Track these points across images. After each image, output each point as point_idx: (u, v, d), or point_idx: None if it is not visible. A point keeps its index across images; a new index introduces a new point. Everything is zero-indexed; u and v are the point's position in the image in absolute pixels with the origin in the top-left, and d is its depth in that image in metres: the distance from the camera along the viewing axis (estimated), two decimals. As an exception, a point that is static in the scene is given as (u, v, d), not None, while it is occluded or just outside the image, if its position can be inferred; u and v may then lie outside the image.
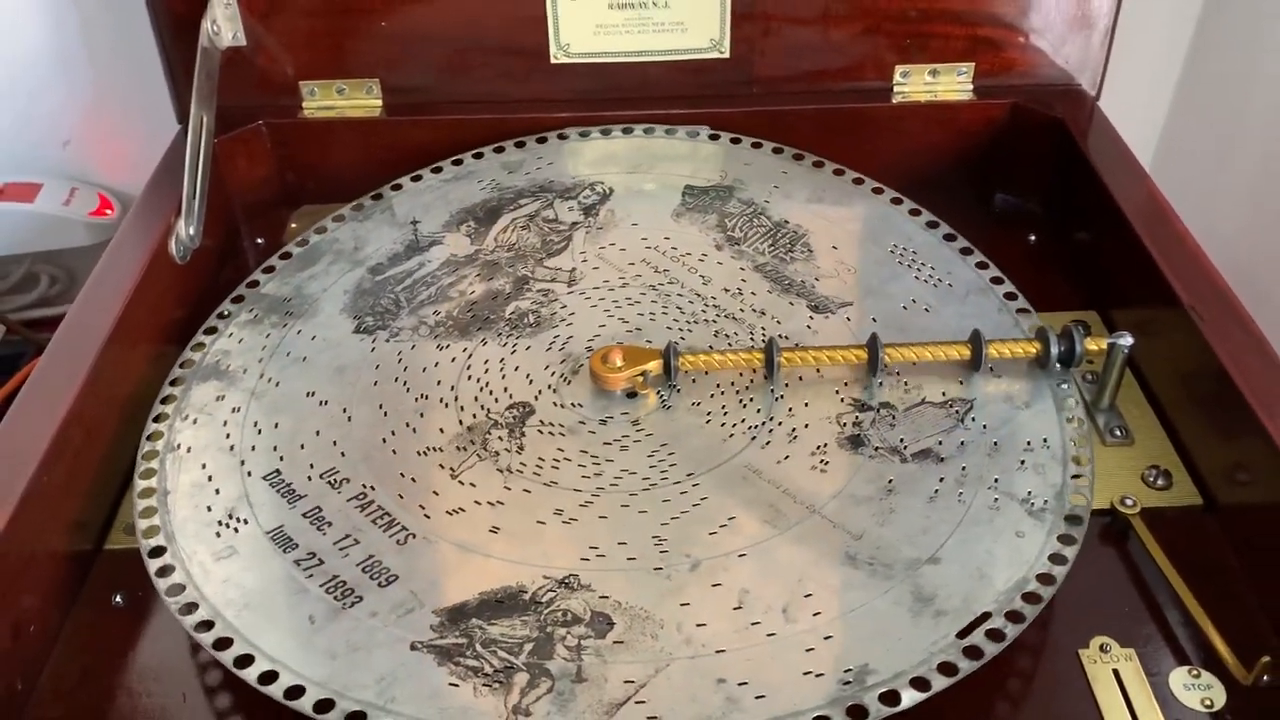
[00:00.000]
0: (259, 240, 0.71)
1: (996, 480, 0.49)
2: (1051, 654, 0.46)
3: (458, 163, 0.70)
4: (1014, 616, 0.44)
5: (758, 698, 0.42)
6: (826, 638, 0.44)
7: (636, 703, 0.42)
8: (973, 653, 0.43)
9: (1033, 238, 0.69)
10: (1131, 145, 0.67)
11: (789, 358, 0.54)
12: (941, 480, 0.49)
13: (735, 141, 0.70)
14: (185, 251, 0.62)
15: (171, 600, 0.46)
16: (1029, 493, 0.48)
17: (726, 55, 0.71)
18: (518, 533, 0.49)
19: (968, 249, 0.62)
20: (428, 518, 0.49)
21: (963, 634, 0.43)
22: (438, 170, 0.70)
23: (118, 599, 0.49)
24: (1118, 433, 0.55)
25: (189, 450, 0.53)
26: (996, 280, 0.60)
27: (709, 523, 0.48)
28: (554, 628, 0.44)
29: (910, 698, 0.41)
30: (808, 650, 0.43)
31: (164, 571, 0.47)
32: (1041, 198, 0.71)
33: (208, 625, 0.45)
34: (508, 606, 0.45)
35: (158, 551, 0.48)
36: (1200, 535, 0.50)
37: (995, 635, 0.43)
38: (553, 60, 0.71)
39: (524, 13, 0.69)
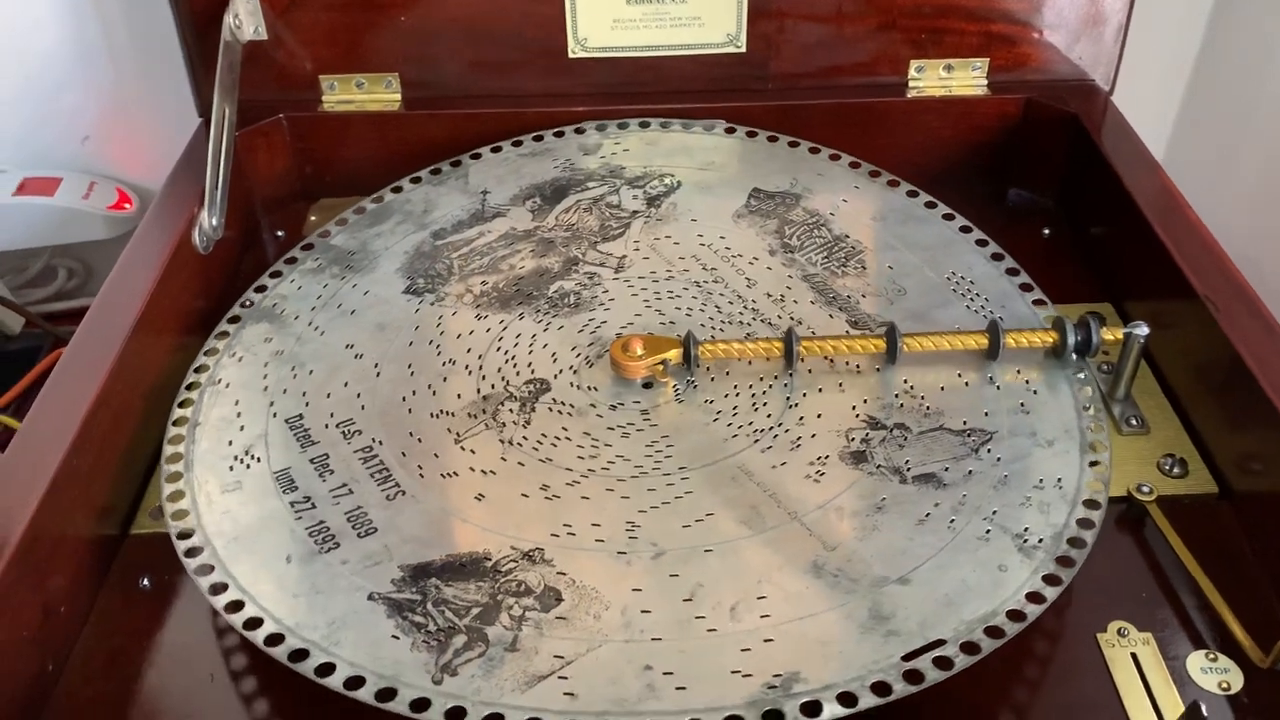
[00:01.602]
0: (279, 233, 0.72)
1: (995, 512, 0.48)
2: (1069, 638, 0.46)
3: (538, 138, 0.71)
4: (969, 648, 0.43)
5: (678, 688, 0.42)
6: (766, 640, 0.44)
7: (559, 678, 0.42)
8: (913, 676, 0.42)
9: (1047, 231, 0.69)
10: (1144, 140, 0.68)
11: (807, 346, 0.54)
12: (936, 505, 0.48)
13: (772, 139, 0.70)
14: (208, 242, 0.63)
15: (174, 524, 0.49)
16: (1025, 529, 0.47)
17: (743, 50, 0.71)
18: (500, 502, 0.50)
19: (983, 240, 0.62)
20: (422, 477, 0.51)
21: (909, 657, 0.42)
22: (518, 144, 0.71)
23: (145, 582, 0.50)
24: (1133, 422, 0.55)
25: (227, 386, 0.56)
26: (1013, 271, 0.60)
27: (685, 516, 0.49)
28: (505, 596, 0.45)
29: (831, 711, 0.41)
30: (743, 650, 0.43)
31: (175, 496, 0.50)
32: (1055, 192, 0.72)
33: (197, 551, 0.48)
34: (468, 571, 0.46)
35: (175, 477, 0.51)
36: (1215, 522, 0.51)
37: (943, 663, 0.42)
38: (570, 55, 0.71)
39: (542, 8, 0.70)
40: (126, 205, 0.82)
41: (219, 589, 0.46)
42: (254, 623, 0.45)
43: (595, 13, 0.70)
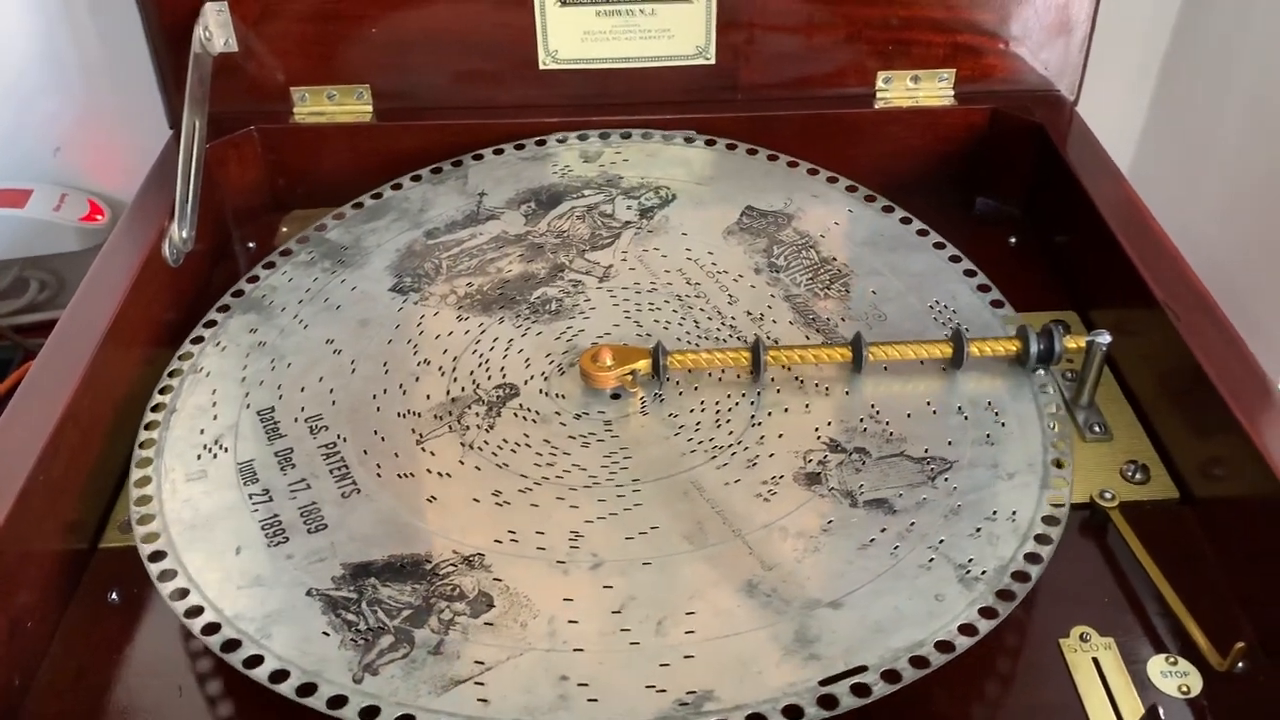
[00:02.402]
0: (250, 244, 0.72)
1: (941, 541, 0.47)
2: (1033, 643, 0.47)
3: (541, 143, 0.72)
4: (890, 676, 0.42)
5: (589, 700, 0.42)
6: (687, 657, 0.44)
7: (475, 683, 0.43)
8: (827, 702, 0.42)
9: (1013, 240, 0.70)
10: (1109, 150, 0.68)
11: (774, 356, 0.55)
12: (883, 531, 0.48)
13: (772, 158, 0.70)
14: (178, 255, 0.63)
15: (136, 510, 0.50)
16: (969, 559, 0.47)
17: (712, 62, 0.72)
18: (450, 505, 0.50)
19: (972, 270, 0.61)
20: (379, 476, 0.51)
21: (828, 682, 0.42)
22: (520, 147, 0.71)
23: (113, 596, 0.49)
24: (1097, 429, 0.56)
25: (208, 375, 0.57)
26: (997, 304, 0.60)
27: (630, 528, 0.49)
28: (437, 600, 0.46)
29: None
30: (662, 665, 0.43)
31: (141, 482, 0.51)
32: (1021, 201, 0.73)
33: (154, 537, 0.49)
34: (407, 572, 0.47)
35: (144, 463, 0.52)
36: (1177, 527, 0.51)
37: (860, 690, 0.42)
38: (541, 66, 0.72)
39: (513, 20, 0.70)
40: (98, 217, 0.82)
41: (168, 575, 0.47)
42: (195, 611, 0.46)
43: (566, 25, 0.70)
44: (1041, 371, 0.55)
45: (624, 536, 0.49)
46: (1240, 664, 0.44)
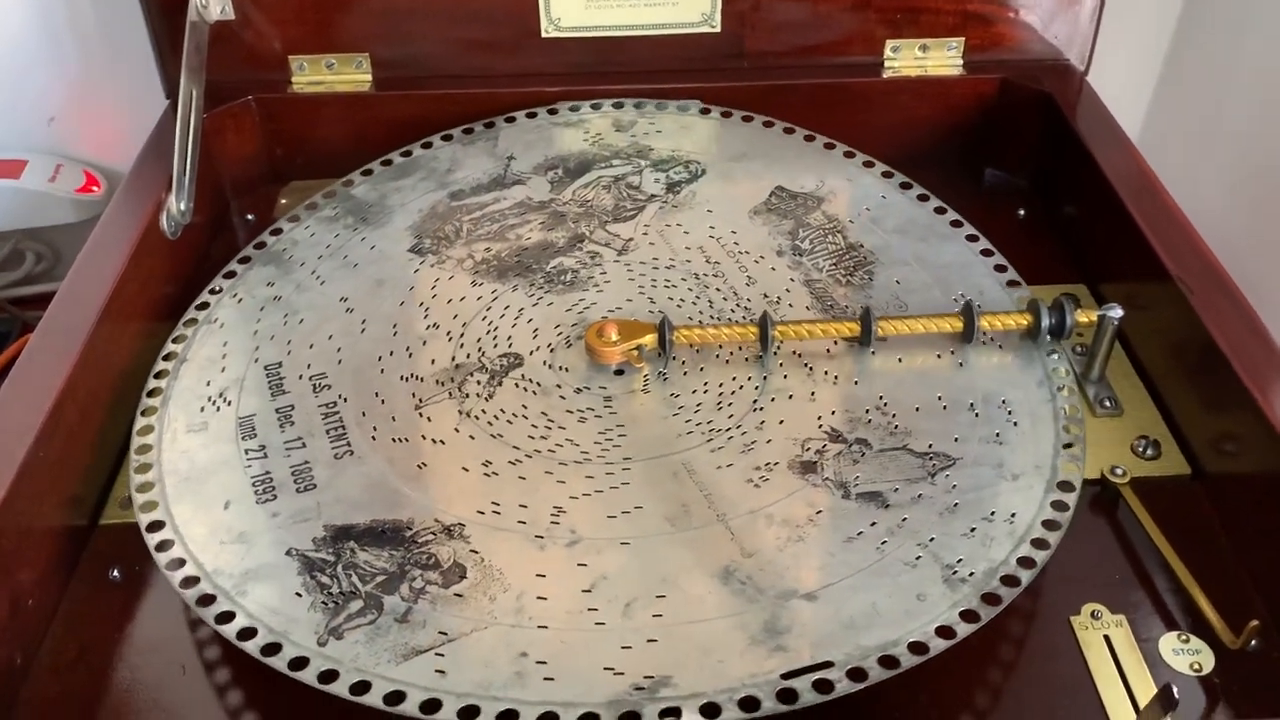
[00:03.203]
0: (249, 216, 0.71)
1: (932, 539, 0.46)
2: (1043, 621, 0.46)
3: (574, 109, 0.71)
4: (856, 674, 0.41)
5: (546, 679, 0.41)
6: (650, 641, 0.43)
7: (436, 654, 0.42)
8: (786, 695, 0.40)
9: (1022, 212, 0.69)
10: (1119, 119, 0.67)
11: (782, 331, 0.54)
12: (873, 525, 0.47)
13: (809, 139, 0.68)
14: (176, 227, 0.62)
15: (136, 458, 0.50)
16: (959, 560, 0.45)
17: (717, 30, 0.71)
18: (439, 473, 0.50)
19: (1003, 265, 0.60)
20: (374, 439, 0.51)
21: (790, 675, 0.41)
22: (554, 112, 0.70)
23: (115, 574, 0.49)
24: (1107, 404, 0.55)
25: (221, 326, 0.57)
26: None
27: (613, 507, 0.48)
28: (412, 568, 0.46)
29: None
30: (624, 648, 0.42)
31: (144, 430, 0.52)
32: (1030, 172, 0.72)
33: (148, 486, 0.49)
34: (387, 538, 0.47)
35: (150, 411, 0.53)
36: (1188, 504, 0.51)
37: (823, 686, 0.41)
38: (543, 34, 0.71)
39: (515, -14, 0.69)
40: (94, 188, 0.81)
41: (155, 526, 0.47)
42: (176, 563, 0.46)
43: (568, -8, 0.69)
44: (1054, 349, 0.54)
45: (606, 515, 0.48)
46: (1254, 642, 0.44)
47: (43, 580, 0.47)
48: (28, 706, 0.44)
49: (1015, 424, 0.51)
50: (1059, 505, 0.47)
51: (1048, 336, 0.54)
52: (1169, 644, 0.45)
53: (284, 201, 0.70)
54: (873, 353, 0.55)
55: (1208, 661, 0.45)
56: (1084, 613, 0.46)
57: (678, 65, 0.72)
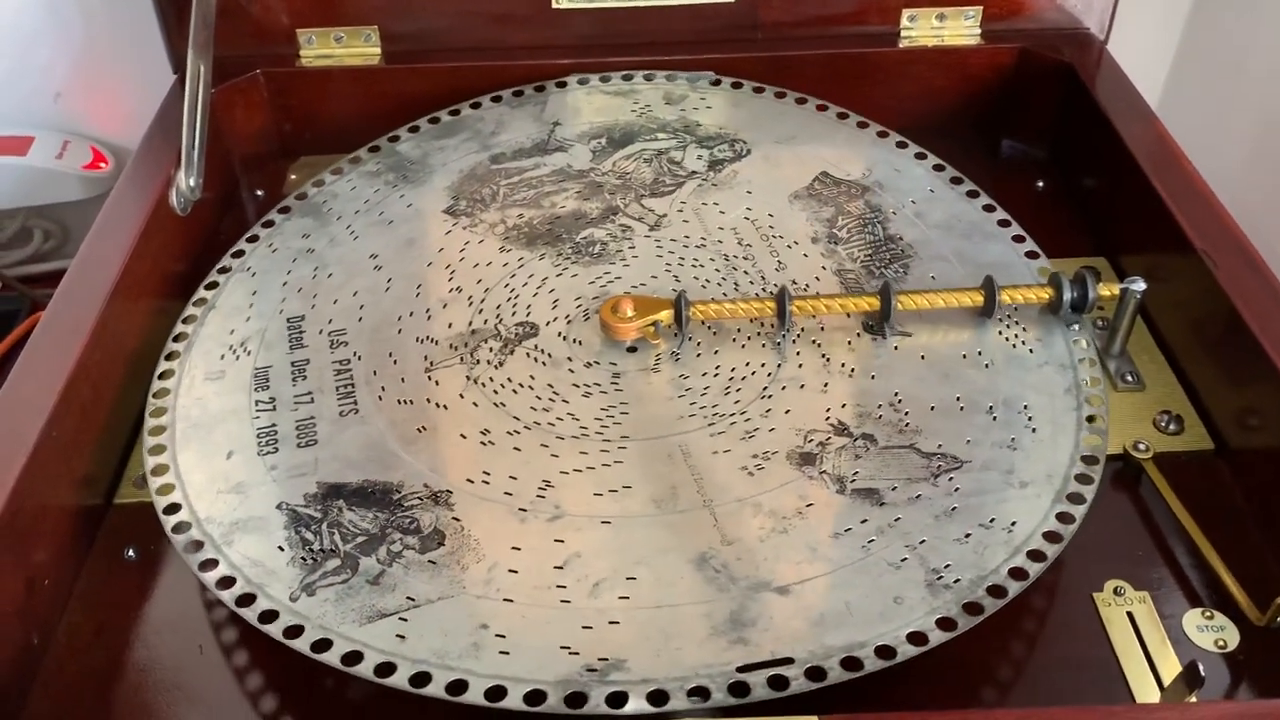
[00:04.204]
0: (259, 192, 0.70)
1: (922, 542, 0.44)
2: (1065, 597, 0.46)
3: (627, 78, 0.70)
4: (815, 673, 0.40)
5: (501, 653, 0.41)
6: (612, 622, 0.42)
7: (399, 618, 0.42)
8: (738, 689, 0.40)
9: (1040, 184, 0.68)
10: (1139, 89, 0.66)
11: (800, 306, 0.54)
12: (863, 522, 0.45)
13: (862, 125, 0.66)
14: (186, 203, 0.61)
15: (153, 402, 0.51)
16: (946, 565, 0.43)
17: (731, 0, 0.69)
18: (437, 438, 0.50)
19: (1023, 240, 0.58)
20: (380, 399, 0.51)
21: (746, 669, 0.40)
22: (606, 79, 0.70)
23: (130, 553, 0.49)
24: (1129, 378, 0.55)
25: (253, 275, 0.58)
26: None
27: (601, 485, 0.47)
28: (392, 531, 0.46)
29: (636, 706, 0.39)
30: (584, 627, 0.42)
31: (165, 375, 0.53)
32: (1049, 143, 0.71)
33: (160, 430, 0.50)
34: (375, 500, 0.47)
35: (173, 355, 0.54)
36: (1212, 479, 0.50)
37: (778, 683, 0.40)
38: (555, 6, 0.70)
39: (525, -43, 0.68)
40: (102, 165, 0.80)
41: (160, 470, 0.48)
42: (172, 508, 0.47)
43: (580, -38, 0.68)
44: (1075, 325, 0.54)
45: (593, 492, 0.47)
46: None
47: (58, 560, 0.47)
48: (45, 686, 0.44)
49: (1034, 430, 0.49)
50: (1064, 517, 0.45)
51: (1070, 311, 0.53)
52: (1193, 620, 0.45)
53: (293, 177, 0.70)
54: (895, 347, 0.53)
55: (1232, 638, 0.44)
56: (1107, 589, 0.46)
57: (691, 36, 0.71)
